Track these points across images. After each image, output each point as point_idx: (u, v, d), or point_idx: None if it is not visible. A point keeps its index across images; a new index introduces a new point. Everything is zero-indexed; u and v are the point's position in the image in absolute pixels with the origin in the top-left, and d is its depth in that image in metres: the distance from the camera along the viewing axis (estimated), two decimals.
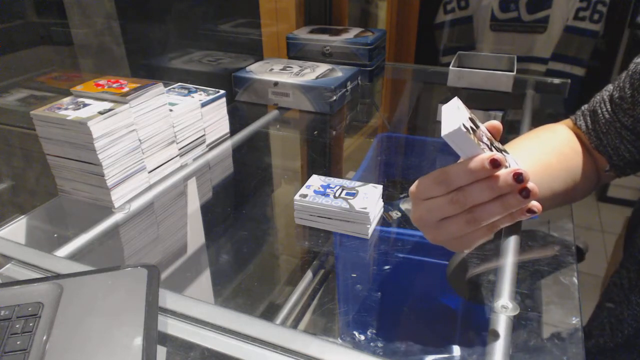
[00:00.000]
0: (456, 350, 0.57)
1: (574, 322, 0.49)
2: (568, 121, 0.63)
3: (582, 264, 0.58)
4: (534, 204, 0.41)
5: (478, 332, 0.52)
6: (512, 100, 1.10)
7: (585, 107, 0.62)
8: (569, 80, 1.17)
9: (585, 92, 1.48)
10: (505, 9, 1.63)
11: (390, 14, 1.76)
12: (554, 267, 0.56)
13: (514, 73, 1.10)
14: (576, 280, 0.53)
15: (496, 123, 0.44)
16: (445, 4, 1.78)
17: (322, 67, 1.11)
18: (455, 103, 0.42)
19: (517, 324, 0.47)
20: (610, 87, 0.59)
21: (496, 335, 0.45)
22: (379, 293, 0.65)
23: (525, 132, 0.96)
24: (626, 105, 0.55)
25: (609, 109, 0.57)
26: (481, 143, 0.40)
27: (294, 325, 0.59)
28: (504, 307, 0.48)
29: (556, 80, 1.20)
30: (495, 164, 0.38)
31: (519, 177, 0.38)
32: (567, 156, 0.58)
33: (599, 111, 0.58)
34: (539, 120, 1.00)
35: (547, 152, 0.57)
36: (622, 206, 2.17)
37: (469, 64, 1.22)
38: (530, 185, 0.39)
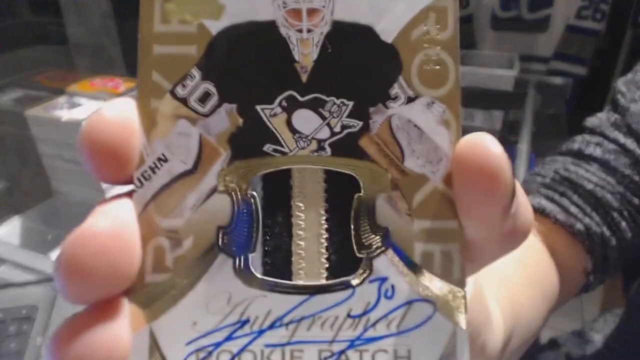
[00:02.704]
0: None
1: (574, 324, 0.48)
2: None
3: None
4: None
5: None
6: (513, 99, 1.09)
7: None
8: (571, 80, 1.17)
9: (587, 91, 1.47)
10: (506, 7, 1.62)
11: None
12: None
13: (515, 72, 1.09)
14: None
15: None
16: None
17: None
18: None
19: None
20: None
21: None
22: None
23: (525, 131, 0.95)
24: None
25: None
26: None
27: None
28: None
29: (558, 80, 1.19)
30: None
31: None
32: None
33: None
34: (540, 120, 0.99)
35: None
36: None
37: (470, 63, 1.21)
38: None
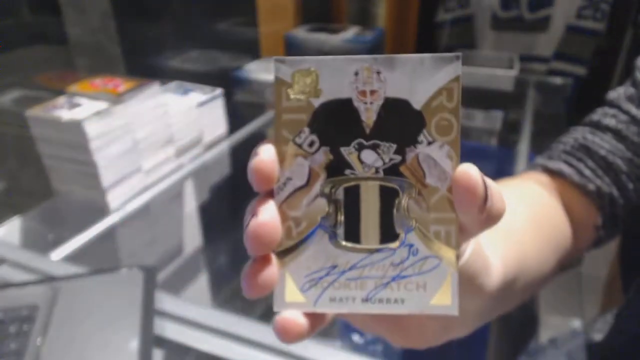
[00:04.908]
0: (455, 351, 0.57)
1: (575, 323, 0.48)
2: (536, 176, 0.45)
3: (584, 264, 0.57)
4: None
5: (477, 332, 0.51)
6: (513, 99, 1.09)
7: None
8: (571, 80, 1.17)
9: (587, 91, 1.47)
10: (506, 7, 1.62)
11: (389, 11, 1.76)
12: None
13: (515, 72, 1.09)
14: (578, 281, 0.53)
15: None
16: (445, 2, 1.78)
17: None
18: None
19: (516, 324, 0.47)
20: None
21: (496, 336, 0.44)
22: None
23: (525, 131, 0.95)
24: None
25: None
26: None
27: None
28: None
29: (558, 80, 1.19)
30: None
31: None
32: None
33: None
34: (540, 120, 0.99)
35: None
36: None
37: (470, 62, 1.21)
38: None
